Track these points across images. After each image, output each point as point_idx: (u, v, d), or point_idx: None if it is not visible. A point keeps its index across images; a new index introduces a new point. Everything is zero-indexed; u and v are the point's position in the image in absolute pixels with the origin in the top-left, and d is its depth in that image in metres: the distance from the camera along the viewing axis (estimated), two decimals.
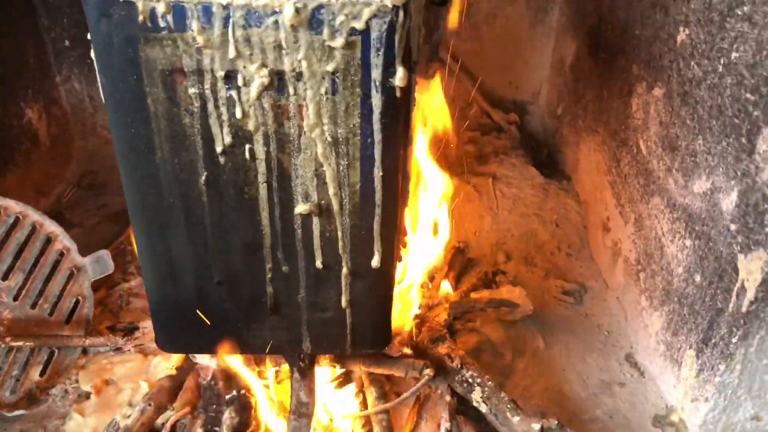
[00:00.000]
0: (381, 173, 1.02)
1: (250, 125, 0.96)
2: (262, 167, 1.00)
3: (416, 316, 1.46)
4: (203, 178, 1.00)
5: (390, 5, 0.88)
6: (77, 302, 1.60)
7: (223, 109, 0.94)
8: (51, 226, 1.61)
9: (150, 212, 1.05)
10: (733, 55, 1.13)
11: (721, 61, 1.17)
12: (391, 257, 1.13)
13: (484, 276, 1.80)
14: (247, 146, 0.98)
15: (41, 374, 1.52)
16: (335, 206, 1.04)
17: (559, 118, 2.07)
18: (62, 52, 2.08)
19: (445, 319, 1.46)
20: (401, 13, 0.90)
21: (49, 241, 1.60)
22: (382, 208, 1.06)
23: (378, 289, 1.15)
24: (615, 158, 1.66)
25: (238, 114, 0.94)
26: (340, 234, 1.07)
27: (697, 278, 1.29)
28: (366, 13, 0.88)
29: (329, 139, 0.98)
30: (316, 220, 1.06)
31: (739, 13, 1.10)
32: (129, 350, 1.60)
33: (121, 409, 1.41)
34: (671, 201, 1.38)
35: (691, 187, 1.29)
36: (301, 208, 1.03)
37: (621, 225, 1.64)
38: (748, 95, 1.09)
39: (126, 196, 1.05)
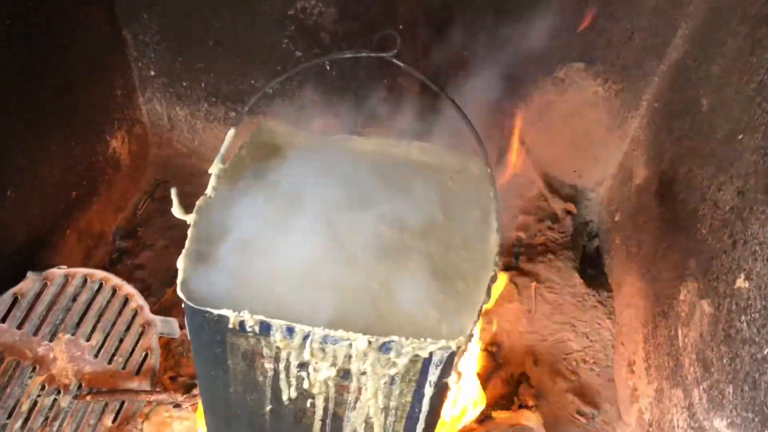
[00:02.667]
0: (423, 426, 1.15)
1: (314, 391, 1.09)
2: (320, 413, 1.14)
3: None
4: (268, 408, 1.15)
5: (454, 347, 0.97)
6: (146, 355, 1.81)
7: (293, 380, 1.07)
8: (127, 288, 1.81)
9: (218, 413, 1.21)
10: None
11: (766, 348, 1.22)
12: None
13: (510, 378, 1.95)
14: (309, 400, 1.11)
15: (113, 421, 1.77)
16: None
17: (616, 223, 2.10)
18: (146, 79, 2.15)
19: None
20: (463, 346, 0.99)
21: (126, 300, 1.80)
22: None
23: None
24: (654, 321, 1.73)
25: (305, 386, 1.07)
26: None
27: None
28: (431, 348, 0.98)
29: (381, 407, 1.10)
30: None
31: None
32: (187, 408, 1.83)
33: None
34: (692, 410, 1.47)
35: (712, 419, 1.39)
36: None
37: (644, 380, 1.75)
38: None
39: (200, 394, 1.21)
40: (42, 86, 1.68)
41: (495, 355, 1.96)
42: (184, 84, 2.15)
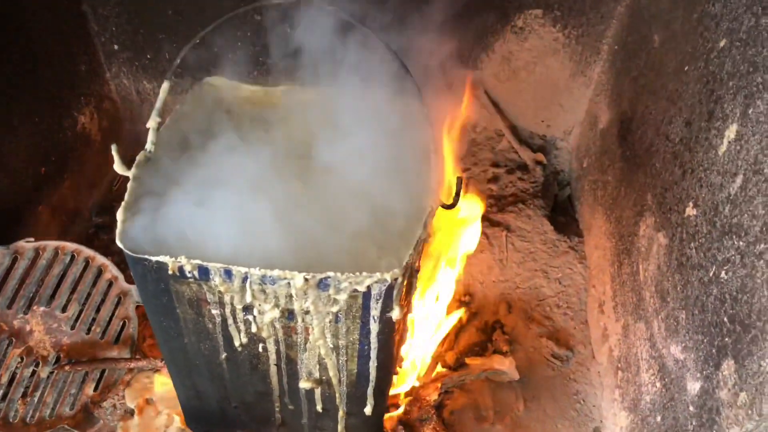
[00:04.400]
0: (376, 364, 1.18)
1: (263, 334, 1.12)
2: (273, 357, 1.17)
3: (408, 393, 1.67)
4: (223, 356, 1.18)
5: (389, 280, 1.00)
6: (124, 324, 1.85)
7: (241, 324, 1.10)
8: (100, 259, 1.83)
9: (179, 365, 1.24)
10: (722, 274, 1.20)
11: (712, 269, 1.24)
12: (382, 405, 1.32)
13: (484, 326, 1.98)
14: (261, 344, 1.14)
15: (95, 389, 1.81)
16: (334, 381, 1.22)
17: (584, 169, 2.11)
18: (112, 54, 2.15)
19: (435, 399, 1.67)
20: (399, 278, 1.01)
21: (100, 272, 1.83)
22: (375, 383, 1.23)
23: (370, 424, 1.36)
24: (618, 259, 1.75)
25: (254, 329, 1.10)
26: (338, 395, 1.26)
27: (658, 419, 1.45)
28: (367, 281, 1.00)
29: (331, 346, 1.13)
30: (318, 388, 1.24)
31: (736, 243, 1.16)
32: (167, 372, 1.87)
33: None
34: (653, 340, 1.50)
35: (669, 346, 1.41)
36: (304, 384, 1.21)
37: (612, 318, 1.77)
38: (725, 319, 1.18)
39: (160, 348, 1.24)
40: (1, 61, 1.69)
41: (468, 305, 1.99)
42: (149, 56, 2.16)
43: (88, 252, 1.81)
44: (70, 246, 1.79)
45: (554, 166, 2.27)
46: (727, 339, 1.17)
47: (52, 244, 1.77)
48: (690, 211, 1.34)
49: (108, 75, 2.21)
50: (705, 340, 1.24)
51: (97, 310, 1.81)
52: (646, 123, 1.64)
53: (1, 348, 1.68)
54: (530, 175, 2.18)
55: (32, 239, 1.72)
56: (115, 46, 2.12)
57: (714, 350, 1.21)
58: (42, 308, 1.74)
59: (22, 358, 1.70)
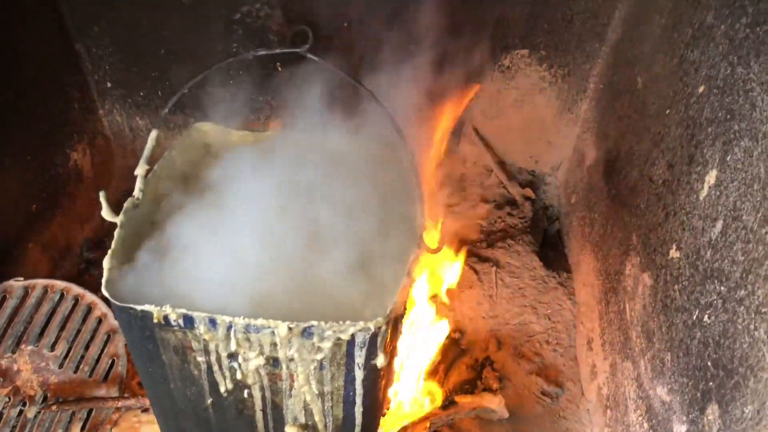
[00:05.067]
0: (362, 409, 1.18)
1: (249, 381, 1.12)
2: (258, 403, 1.17)
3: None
4: (209, 402, 1.18)
5: (373, 328, 1.00)
6: (113, 362, 1.84)
7: (226, 372, 1.10)
8: (90, 297, 1.84)
9: (165, 410, 1.24)
10: (705, 318, 1.21)
11: (696, 313, 1.25)
12: None
13: (474, 362, 1.98)
14: (246, 390, 1.14)
15: (82, 429, 1.79)
16: (320, 427, 1.21)
17: (572, 205, 2.13)
18: (105, 91, 2.18)
19: None
20: (383, 326, 1.02)
21: (89, 309, 1.83)
22: (361, 427, 1.23)
23: None
24: (606, 297, 1.76)
25: (239, 376, 1.10)
26: None
27: None
28: (351, 330, 1.01)
29: (316, 392, 1.13)
30: None
31: (717, 288, 1.17)
32: None
33: None
34: (640, 380, 1.50)
35: (655, 387, 1.42)
36: (290, 429, 1.21)
37: (600, 356, 1.78)
38: (709, 363, 1.19)
39: (146, 393, 1.24)
40: None
41: (458, 342, 1.99)
42: (141, 94, 2.18)
43: (77, 290, 1.82)
44: (60, 284, 1.79)
45: (543, 201, 2.29)
46: (711, 383, 1.18)
47: (41, 282, 1.77)
48: (673, 253, 1.36)
49: (101, 112, 2.23)
50: (690, 383, 1.25)
51: (86, 348, 1.81)
52: (631, 163, 1.66)
53: None
54: (519, 211, 2.20)
55: (21, 278, 1.72)
56: (108, 84, 2.15)
57: (699, 394, 1.22)
58: (30, 347, 1.73)
59: (9, 398, 1.69)
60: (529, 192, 2.21)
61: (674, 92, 1.43)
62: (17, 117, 1.83)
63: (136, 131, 2.30)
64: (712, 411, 1.17)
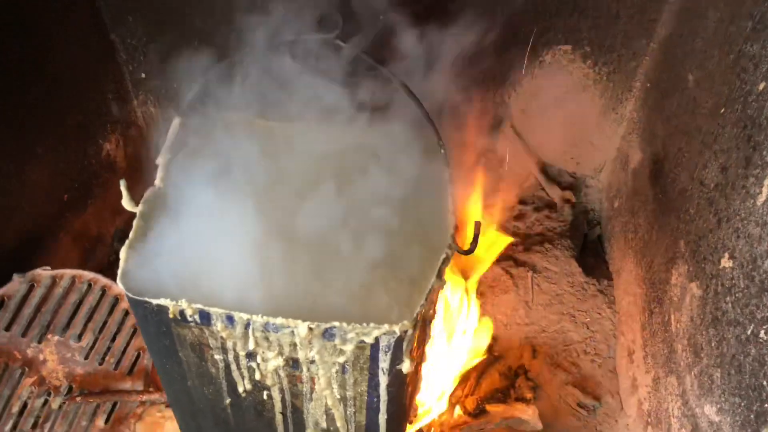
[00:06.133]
0: (386, 417, 1.12)
1: (268, 382, 1.07)
2: (278, 405, 1.12)
3: None
4: (227, 401, 1.14)
5: (398, 332, 0.94)
6: (139, 355, 1.82)
7: (245, 371, 1.05)
8: (118, 288, 1.81)
9: (183, 408, 1.20)
10: (762, 333, 1.12)
11: (750, 327, 1.15)
12: None
13: (507, 370, 1.90)
14: (265, 392, 1.10)
15: (106, 422, 1.78)
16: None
17: (615, 210, 2.03)
18: (139, 82, 2.17)
19: None
20: (410, 330, 0.96)
21: (116, 301, 1.81)
22: None
23: None
24: (649, 307, 1.66)
25: (257, 376, 1.05)
26: None
27: None
28: (375, 333, 0.95)
29: (338, 397, 1.08)
30: None
31: None
32: None
33: None
34: (685, 396, 1.41)
35: (702, 406, 1.32)
36: None
37: (642, 369, 1.68)
38: (765, 383, 1.09)
39: (164, 389, 1.20)
40: (27, 91, 1.71)
41: (491, 348, 1.91)
42: (175, 85, 2.16)
43: (104, 281, 1.80)
44: (87, 275, 1.78)
45: (584, 205, 2.19)
46: (767, 405, 1.08)
47: (69, 272, 1.76)
48: (726, 262, 1.26)
49: (135, 102, 2.22)
50: (742, 404, 1.15)
51: (112, 340, 1.78)
52: (680, 165, 1.56)
53: (13, 377, 1.66)
54: (558, 214, 2.11)
55: (49, 267, 1.71)
56: (143, 75, 2.14)
57: (752, 416, 1.12)
58: (56, 337, 1.72)
59: (34, 388, 1.68)
60: (569, 195, 2.12)
61: (730, 90, 1.33)
62: (51, 106, 1.83)
63: (170, 122, 2.28)
64: None
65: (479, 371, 1.86)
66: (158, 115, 2.28)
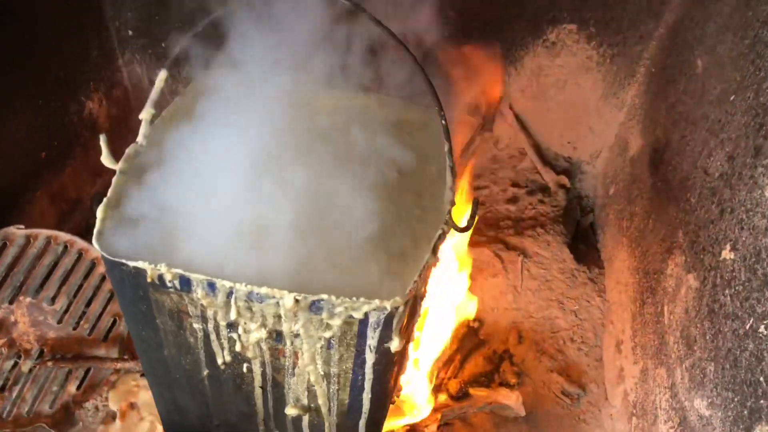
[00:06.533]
0: (370, 396, 1.08)
1: (249, 354, 1.02)
2: (258, 380, 1.07)
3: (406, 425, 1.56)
4: (205, 373, 1.08)
5: (389, 308, 0.89)
6: (114, 321, 1.76)
7: (225, 342, 1.00)
8: (95, 252, 1.75)
9: (159, 377, 1.15)
10: (762, 328, 1.08)
11: (749, 322, 1.12)
12: None
13: (492, 355, 1.87)
14: (245, 365, 1.04)
15: (78, 388, 1.72)
16: (324, 410, 1.11)
17: (610, 197, 1.99)
18: (125, 40, 2.08)
19: (434, 431, 1.56)
20: (401, 307, 0.91)
21: (93, 265, 1.74)
22: (368, 415, 1.12)
23: None
24: (641, 297, 1.63)
25: (238, 348, 1.00)
26: (327, 425, 1.15)
27: None
28: (365, 308, 0.90)
29: (321, 373, 1.03)
30: (305, 416, 1.14)
31: None
32: None
33: None
34: (674, 389, 1.38)
35: (693, 399, 1.29)
36: (291, 410, 1.11)
37: (630, 360, 1.65)
38: (761, 379, 1.06)
39: (139, 358, 1.15)
40: (4, 40, 1.62)
41: (477, 331, 1.88)
42: (163, 45, 2.08)
43: (82, 243, 1.73)
44: (63, 236, 1.70)
45: (578, 191, 2.15)
46: (762, 401, 1.05)
47: (44, 232, 1.68)
48: (727, 254, 1.23)
49: (120, 61, 2.13)
50: (736, 399, 1.12)
51: (87, 305, 1.72)
52: (682, 153, 1.52)
53: None
54: (552, 199, 2.07)
55: (23, 226, 1.64)
56: (130, 32, 2.05)
57: (746, 411, 1.09)
58: (29, 299, 1.65)
59: (3, 350, 1.62)
60: (563, 179, 2.08)
61: (742, 76, 1.29)
62: (32, 59, 1.74)
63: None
64: (761, 431, 1.05)
65: (463, 354, 1.82)
66: (144, 76, 2.19)
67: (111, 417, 1.70)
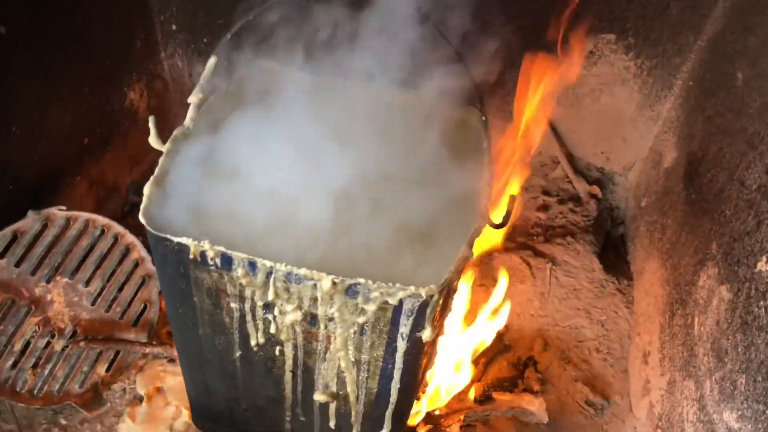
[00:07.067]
0: (399, 386, 1.09)
1: (282, 337, 1.04)
2: (289, 362, 1.09)
3: (428, 420, 1.56)
4: (237, 354, 1.11)
5: (424, 296, 0.90)
6: (145, 307, 1.79)
7: (260, 323, 1.02)
8: (130, 237, 1.79)
9: (191, 357, 1.17)
10: None
11: None
12: (399, 430, 1.22)
13: (517, 361, 1.87)
14: (278, 347, 1.06)
15: (107, 370, 1.75)
16: (351, 398, 1.13)
17: (642, 209, 1.98)
18: (169, 34, 2.13)
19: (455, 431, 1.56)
20: (435, 295, 0.92)
21: (128, 251, 1.78)
22: (395, 405, 1.13)
23: None
24: (671, 309, 1.62)
25: (272, 330, 1.02)
26: (353, 414, 1.17)
27: None
28: (400, 294, 0.91)
29: (352, 359, 1.04)
30: (333, 403, 1.15)
31: None
32: None
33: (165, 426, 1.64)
34: (702, 401, 1.36)
35: (722, 412, 1.28)
36: (319, 396, 1.12)
37: (657, 371, 1.64)
38: None
39: (173, 336, 1.17)
40: (57, 27, 1.67)
41: (502, 336, 1.88)
42: (205, 41, 2.13)
43: (118, 228, 1.77)
44: (102, 220, 1.75)
45: (609, 202, 2.15)
46: None
47: (83, 215, 1.73)
48: (762, 266, 1.22)
49: (163, 54, 2.19)
50: (767, 411, 1.11)
51: (120, 289, 1.76)
52: (719, 166, 1.51)
53: (19, 314, 1.64)
54: (583, 208, 2.06)
55: (64, 207, 1.69)
56: (173, 26, 2.10)
57: None
58: (65, 279, 1.70)
59: (38, 328, 1.66)
60: (595, 190, 2.07)
61: None
62: (79, 49, 1.79)
63: (196, 79, 2.24)
64: None
65: (488, 358, 1.82)
66: (185, 71, 2.24)
67: (138, 400, 1.73)
